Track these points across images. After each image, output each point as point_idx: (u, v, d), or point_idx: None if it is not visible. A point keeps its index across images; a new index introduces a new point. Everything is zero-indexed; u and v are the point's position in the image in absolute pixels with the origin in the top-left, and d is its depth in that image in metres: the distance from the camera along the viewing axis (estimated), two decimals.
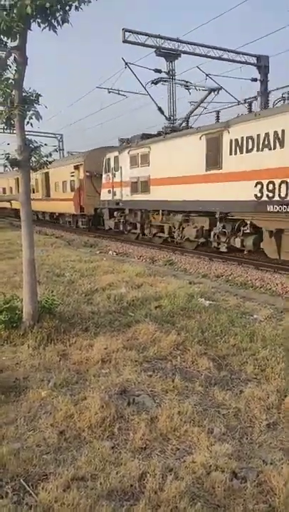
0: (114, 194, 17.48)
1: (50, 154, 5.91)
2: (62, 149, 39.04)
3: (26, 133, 5.54)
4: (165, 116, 18.95)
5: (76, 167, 21.92)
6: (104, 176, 18.35)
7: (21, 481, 2.72)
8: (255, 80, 20.11)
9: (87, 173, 20.55)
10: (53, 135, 38.75)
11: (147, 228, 16.07)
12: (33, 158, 5.53)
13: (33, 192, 27.08)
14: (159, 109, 18.00)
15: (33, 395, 3.84)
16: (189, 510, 2.45)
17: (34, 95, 5.41)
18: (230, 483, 2.71)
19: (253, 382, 4.27)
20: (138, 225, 16.60)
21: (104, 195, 18.35)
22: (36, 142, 5.56)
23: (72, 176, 22.42)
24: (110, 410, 3.51)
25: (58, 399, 3.72)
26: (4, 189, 37.31)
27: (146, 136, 16.07)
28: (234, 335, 5.53)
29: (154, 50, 17.60)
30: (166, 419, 3.43)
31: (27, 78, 5.35)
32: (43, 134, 34.93)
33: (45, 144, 6.10)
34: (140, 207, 15.90)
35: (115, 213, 17.94)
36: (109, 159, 17.87)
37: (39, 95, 5.42)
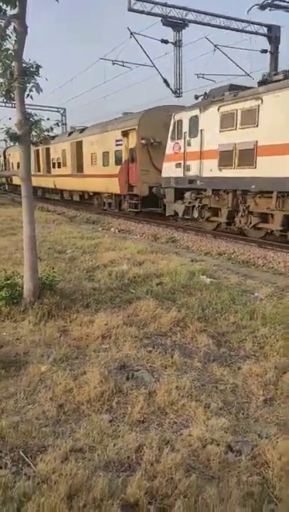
0: (186, 169, 12.98)
1: (52, 128, 5.79)
2: (65, 124, 38.39)
3: (27, 106, 5.41)
4: (171, 89, 18.52)
5: (125, 133, 16.76)
6: (169, 144, 13.84)
7: (20, 452, 2.78)
8: (265, 51, 19.43)
9: (143, 141, 15.55)
10: (56, 109, 38.04)
11: (243, 217, 11.64)
12: (33, 133, 5.42)
13: (59, 167, 24.26)
14: (165, 81, 17.59)
15: (33, 370, 3.89)
16: (184, 481, 2.51)
17: (34, 66, 5.25)
18: (225, 456, 2.76)
19: (251, 359, 4.31)
20: (223, 212, 12.30)
21: (169, 170, 13.87)
22: (37, 116, 5.43)
23: (119, 145, 17.26)
24: (109, 384, 3.56)
25: (57, 373, 3.77)
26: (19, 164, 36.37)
27: (234, 88, 11.92)
28: (234, 312, 5.54)
29: (160, 19, 16.96)
30: (164, 393, 3.48)
31: (27, 50, 5.19)
32: (45, 108, 34.34)
33: (48, 119, 5.96)
34: (235, 186, 11.48)
35: (186, 194, 13.40)
36: (180, 121, 13.24)
37: (39, 66, 5.26)
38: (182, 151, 13.05)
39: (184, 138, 12.91)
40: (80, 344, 4.58)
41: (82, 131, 21.48)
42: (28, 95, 5.31)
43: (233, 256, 10.00)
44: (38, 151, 26.70)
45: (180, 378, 3.74)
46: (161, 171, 14.66)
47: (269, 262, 9.21)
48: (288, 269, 8.55)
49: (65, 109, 39.38)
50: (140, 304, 5.78)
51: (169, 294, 6.42)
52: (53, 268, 6.82)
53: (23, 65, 5.21)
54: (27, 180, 5.61)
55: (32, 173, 5.67)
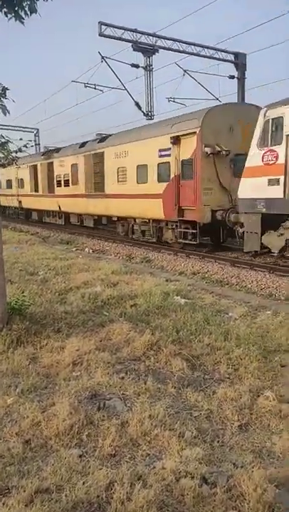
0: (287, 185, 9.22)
1: (20, 150, 5.72)
2: (39, 144, 38.33)
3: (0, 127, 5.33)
4: (143, 111, 18.83)
5: (176, 140, 12.37)
6: (255, 153, 9.84)
7: None
8: (232, 77, 20.17)
9: (207, 150, 11.38)
10: (29, 129, 37.96)
11: None
12: (0, 154, 5.33)
13: (66, 185, 19.68)
14: (137, 104, 17.86)
15: None
16: None
17: (1, 89, 5.20)
18: (199, 490, 2.64)
19: (226, 382, 4.25)
20: None
21: (254, 188, 9.90)
22: (3, 137, 5.35)
23: (165, 155, 12.88)
24: (79, 416, 3.40)
25: (24, 406, 3.58)
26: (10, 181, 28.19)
27: None
28: (209, 334, 5.49)
29: (131, 44, 17.37)
30: (136, 423, 3.35)
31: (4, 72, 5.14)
32: (18, 128, 34.25)
33: (21, 139, 5.89)
34: None
35: (285, 224, 9.55)
36: (278, 119, 9.32)
37: (6, 89, 5.22)
38: (282, 161, 9.17)
39: (288, 142, 9.12)
40: (49, 372, 4.39)
41: (102, 139, 17.13)
42: None
43: (207, 275, 10.05)
44: (35, 166, 23.33)
45: (153, 406, 3.62)
46: (227, 190, 11.71)
47: (242, 280, 9.29)
48: (261, 288, 8.64)
49: (38, 129, 39.37)
50: (113, 327, 5.65)
51: (143, 316, 6.33)
52: (23, 292, 6.61)
53: None
54: None
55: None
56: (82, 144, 18.68)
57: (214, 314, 6.47)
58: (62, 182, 20.35)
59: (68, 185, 19.58)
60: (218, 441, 3.24)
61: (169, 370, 4.53)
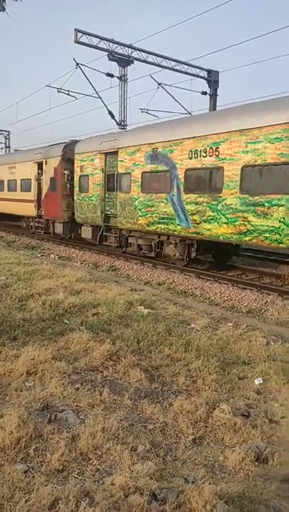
0: None
1: None
2: (9, 146, 37.62)
3: None
4: (116, 120, 18.89)
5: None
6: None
7: None
8: (205, 93, 20.66)
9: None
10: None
11: None
12: None
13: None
14: (110, 113, 17.90)
15: None
16: None
17: None
18: (148, 507, 2.56)
19: (183, 394, 4.20)
20: None
21: None
22: None
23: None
24: (28, 429, 3.23)
25: None
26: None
27: None
28: (170, 344, 5.45)
29: (106, 53, 17.46)
30: (88, 436, 3.23)
31: None
32: None
33: None
34: None
35: None
36: None
37: None
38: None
39: None
40: (1, 382, 4.19)
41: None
42: None
43: (172, 286, 10.06)
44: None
45: (107, 418, 3.51)
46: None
47: (206, 292, 9.36)
48: (224, 300, 8.73)
49: (9, 131, 38.65)
50: (73, 336, 5.50)
51: (105, 325, 6.21)
52: None
53: None
54: None
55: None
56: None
57: (176, 325, 6.45)
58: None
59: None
60: (171, 456, 3.18)
61: (127, 381, 4.44)
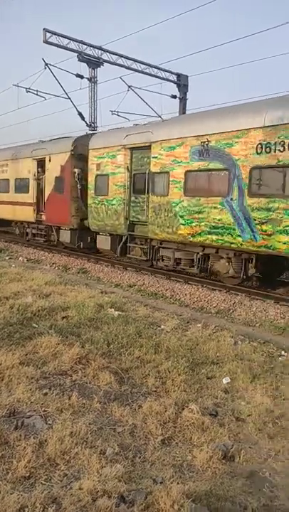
0: None
1: None
2: None
3: None
4: (86, 122, 18.77)
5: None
6: None
7: None
8: (174, 97, 20.89)
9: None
10: None
11: None
12: None
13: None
14: (80, 114, 17.75)
15: None
16: None
17: None
18: (116, 509, 2.55)
19: (152, 395, 4.22)
20: None
21: None
22: None
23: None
24: None
25: None
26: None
27: None
28: (140, 346, 5.47)
29: (76, 54, 17.34)
30: (56, 442, 3.19)
31: None
32: None
33: None
34: None
35: None
36: None
37: None
38: None
39: None
40: None
41: None
42: None
43: (142, 288, 10.09)
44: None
45: (76, 423, 3.48)
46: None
47: (176, 294, 9.46)
48: (193, 301, 8.85)
49: None
50: (41, 340, 5.42)
51: (74, 329, 6.15)
52: None
53: None
54: None
55: None
56: None
57: (147, 327, 6.48)
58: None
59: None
60: (139, 457, 3.18)
61: (96, 384, 4.41)
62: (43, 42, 16.16)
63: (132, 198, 11.81)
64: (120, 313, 7.26)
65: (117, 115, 18.91)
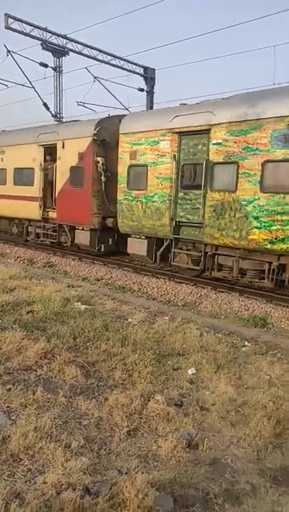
0: None
1: None
2: None
3: None
4: (51, 112, 18.36)
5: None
6: None
7: None
8: (142, 90, 20.80)
9: None
10: None
11: None
12: None
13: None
14: (44, 104, 17.35)
15: None
16: None
17: None
18: (80, 502, 2.55)
19: (119, 388, 4.24)
20: None
21: None
22: None
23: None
24: None
25: None
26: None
27: None
28: (106, 340, 5.46)
29: (40, 42, 16.86)
30: (19, 437, 3.14)
31: None
32: None
33: None
34: None
35: None
36: None
37: None
38: None
39: None
40: None
41: None
42: None
43: (110, 281, 10.06)
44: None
45: (40, 417, 3.44)
46: None
47: (144, 287, 9.50)
48: (161, 295, 8.93)
49: None
50: (5, 335, 5.30)
51: (40, 323, 6.05)
52: None
53: None
54: None
55: None
56: None
57: (114, 320, 6.48)
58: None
59: None
60: (105, 449, 3.20)
61: (62, 378, 4.37)
62: (5, 28, 15.58)
63: (180, 194, 9.64)
64: (87, 307, 7.22)
65: (84, 106, 18.69)
